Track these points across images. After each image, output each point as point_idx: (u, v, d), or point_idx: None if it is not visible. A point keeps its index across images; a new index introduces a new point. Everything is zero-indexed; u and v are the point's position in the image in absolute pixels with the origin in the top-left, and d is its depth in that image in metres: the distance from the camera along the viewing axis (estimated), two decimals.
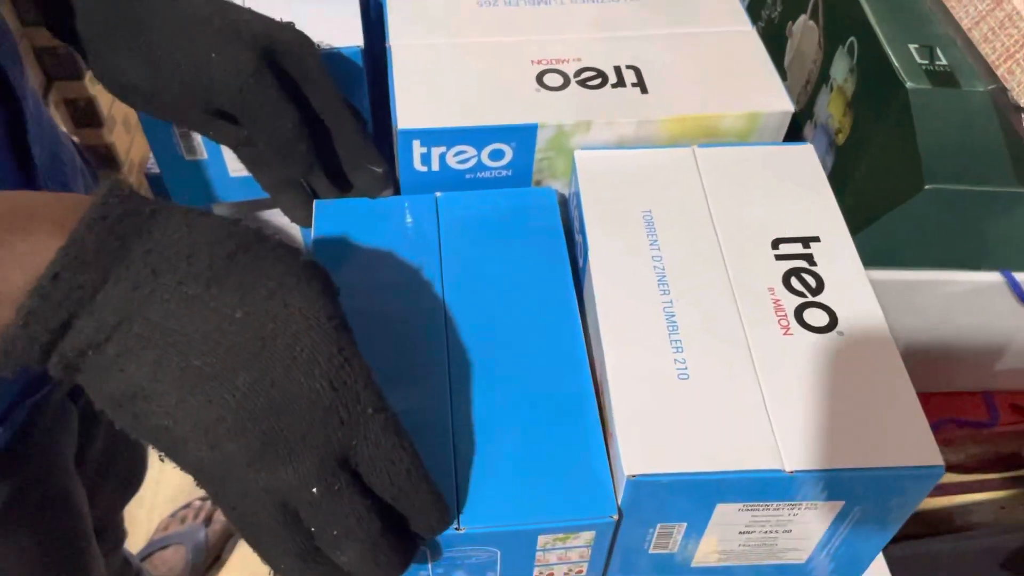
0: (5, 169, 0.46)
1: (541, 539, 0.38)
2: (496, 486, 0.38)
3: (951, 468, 0.79)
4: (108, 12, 0.42)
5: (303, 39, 0.43)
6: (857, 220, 0.58)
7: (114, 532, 0.85)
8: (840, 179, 0.60)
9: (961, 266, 0.63)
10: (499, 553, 0.38)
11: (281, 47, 0.42)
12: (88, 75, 1.38)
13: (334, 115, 0.45)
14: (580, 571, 0.40)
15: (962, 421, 0.74)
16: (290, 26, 0.44)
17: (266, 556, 0.32)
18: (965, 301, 0.65)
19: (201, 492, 1.03)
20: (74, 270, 0.27)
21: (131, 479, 0.81)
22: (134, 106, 0.44)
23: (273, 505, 0.30)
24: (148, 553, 1.14)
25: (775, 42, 0.68)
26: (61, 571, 0.58)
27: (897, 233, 0.59)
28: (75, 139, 1.37)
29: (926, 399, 0.76)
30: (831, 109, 0.61)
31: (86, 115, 1.43)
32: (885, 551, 0.48)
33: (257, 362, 0.29)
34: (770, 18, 0.71)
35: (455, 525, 0.36)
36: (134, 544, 1.05)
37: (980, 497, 0.77)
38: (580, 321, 0.43)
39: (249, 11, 0.43)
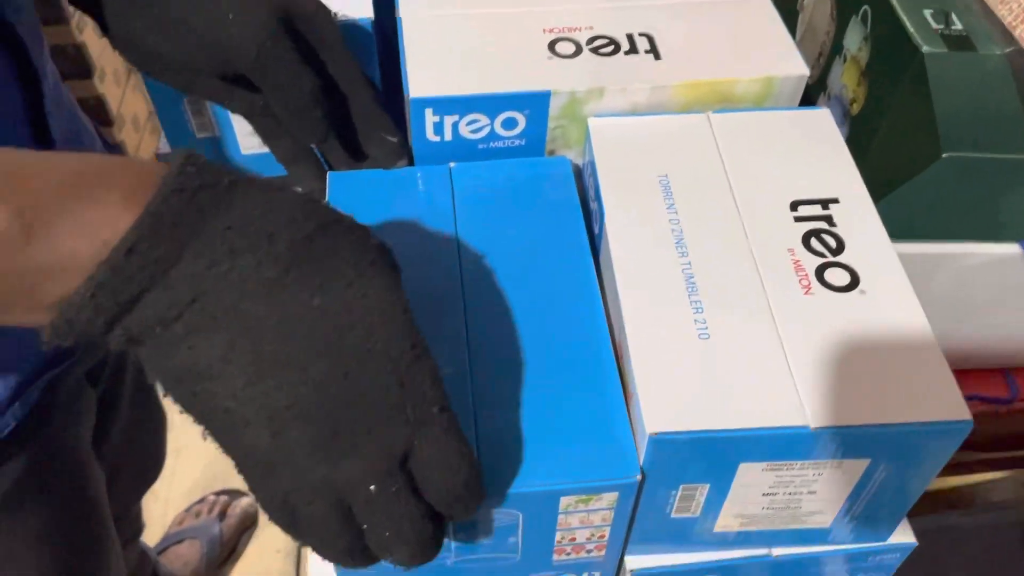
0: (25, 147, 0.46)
1: (563, 501, 0.37)
2: (518, 449, 0.37)
3: (971, 446, 0.78)
4: None
5: (320, 5, 0.43)
6: (873, 191, 0.57)
7: (131, 524, 0.85)
8: (855, 150, 0.59)
9: (978, 237, 0.62)
10: (521, 516, 0.38)
11: (299, 11, 0.42)
12: (75, 20, 1.32)
13: (349, 83, 0.44)
14: (602, 536, 0.40)
15: (982, 398, 0.73)
16: None
17: (311, 545, 0.31)
18: (982, 274, 0.65)
19: (216, 487, 1.04)
20: (150, 244, 0.26)
21: (149, 468, 0.81)
22: (152, 73, 0.44)
23: (328, 498, 0.29)
24: (163, 547, 1.14)
25: (786, 17, 0.68)
26: (75, 551, 0.58)
27: (914, 204, 0.58)
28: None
29: None
30: (845, 80, 0.61)
31: (75, 63, 1.36)
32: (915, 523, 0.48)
33: (332, 353, 0.28)
34: None
35: None
36: (149, 539, 1.05)
37: (1001, 475, 0.77)
38: (598, 287, 0.43)
39: None
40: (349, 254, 0.30)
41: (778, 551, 0.44)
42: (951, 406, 0.36)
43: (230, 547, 1.19)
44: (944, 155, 0.55)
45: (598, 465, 0.37)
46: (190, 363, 0.28)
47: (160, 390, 0.29)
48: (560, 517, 0.38)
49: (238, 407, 0.28)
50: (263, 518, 1.26)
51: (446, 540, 0.38)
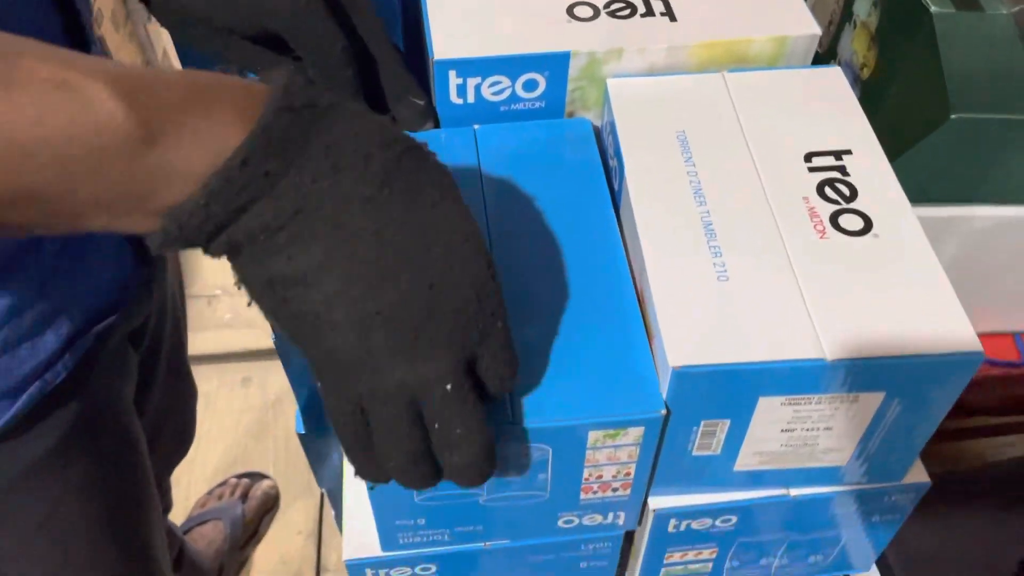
0: None
1: (591, 436, 0.39)
2: (547, 388, 0.39)
3: (982, 410, 0.79)
4: None
5: None
6: None
7: (161, 498, 0.87)
8: (866, 114, 0.60)
9: (987, 200, 0.63)
10: (551, 451, 0.39)
11: None
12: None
13: (378, 45, 0.46)
14: (628, 473, 0.41)
15: (992, 361, 0.75)
16: None
17: (378, 453, 0.33)
18: (992, 237, 0.66)
19: (238, 469, 1.06)
20: (261, 157, 0.28)
21: (181, 442, 0.83)
22: (188, 37, 0.46)
23: (404, 399, 0.31)
24: (187, 528, 1.16)
25: None
26: (121, 503, 0.60)
27: (923, 167, 0.60)
28: None
29: None
30: (855, 46, 0.62)
31: None
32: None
33: (419, 264, 0.31)
34: None
35: (510, 419, 0.38)
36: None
37: (1012, 438, 0.78)
38: (620, 240, 0.44)
39: None
40: (432, 176, 0.32)
41: (795, 491, 0.45)
42: (962, 339, 0.38)
43: (252, 528, 1.21)
44: (952, 116, 0.56)
45: (624, 401, 0.38)
46: (288, 271, 0.30)
47: (247, 296, 0.32)
48: (588, 453, 0.40)
49: (328, 312, 0.30)
50: (284, 500, 1.28)
51: None
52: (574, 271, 0.43)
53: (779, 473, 0.44)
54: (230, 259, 0.31)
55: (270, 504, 1.25)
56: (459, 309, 0.31)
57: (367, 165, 0.30)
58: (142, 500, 0.63)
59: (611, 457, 0.40)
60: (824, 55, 0.66)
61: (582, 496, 0.43)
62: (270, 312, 0.32)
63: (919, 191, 0.61)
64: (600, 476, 0.42)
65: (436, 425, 0.32)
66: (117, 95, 0.27)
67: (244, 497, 1.21)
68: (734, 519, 0.46)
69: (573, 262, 0.43)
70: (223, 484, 1.24)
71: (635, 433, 0.39)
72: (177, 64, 1.37)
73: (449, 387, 0.31)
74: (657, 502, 0.45)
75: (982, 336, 0.81)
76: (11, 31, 0.28)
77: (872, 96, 0.60)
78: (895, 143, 0.58)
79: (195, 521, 1.17)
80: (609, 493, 0.43)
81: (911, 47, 0.55)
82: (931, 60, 0.54)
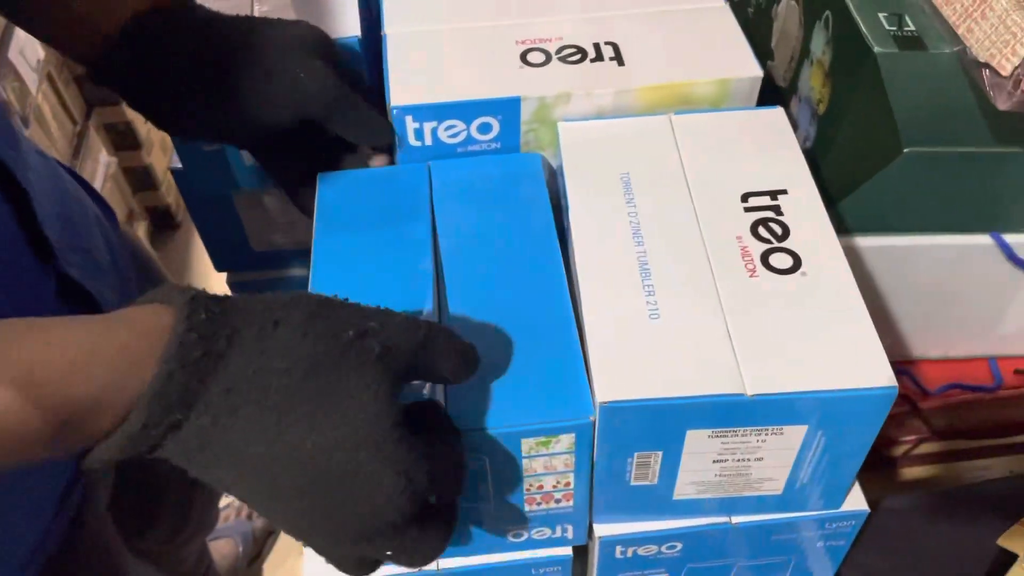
0: (24, 264, 0.49)
1: (525, 444, 0.41)
2: (484, 399, 0.41)
3: (959, 435, 0.80)
4: (190, 73, 0.48)
5: (326, 33, 0.51)
6: (842, 187, 0.60)
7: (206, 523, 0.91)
8: (823, 148, 0.62)
9: (950, 230, 0.64)
10: (488, 460, 0.41)
11: (327, 46, 0.50)
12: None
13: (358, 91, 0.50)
14: (567, 483, 0.43)
15: (966, 386, 0.75)
16: (312, 25, 0.51)
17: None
18: (957, 265, 0.67)
19: None
20: (160, 416, 0.31)
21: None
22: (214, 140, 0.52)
23: (351, 560, 0.37)
24: None
25: (764, 26, 0.71)
26: None
27: (882, 198, 0.61)
28: (107, 160, 1.43)
29: (930, 366, 0.78)
30: (812, 82, 0.64)
31: (125, 138, 1.51)
32: (887, 501, 0.51)
33: (324, 482, 0.33)
34: (758, 4, 0.74)
35: None
36: None
37: (989, 462, 0.78)
38: (563, 267, 0.46)
39: (301, 23, 0.50)
40: (345, 383, 0.34)
41: (737, 519, 0.47)
42: (878, 375, 0.40)
43: (259, 546, 1.24)
44: (906, 150, 0.58)
45: (554, 408, 0.40)
46: (206, 478, 0.34)
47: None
48: (524, 462, 0.42)
49: (252, 506, 0.35)
50: None
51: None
52: (516, 295, 0.45)
53: (719, 501, 0.46)
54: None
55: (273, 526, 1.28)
56: (372, 516, 0.34)
57: (265, 398, 0.32)
58: None
59: (548, 466, 0.42)
60: (787, 90, 0.68)
61: (527, 508, 0.45)
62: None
63: (881, 221, 0.62)
64: (541, 486, 0.43)
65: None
66: (26, 399, 0.29)
67: (249, 516, 1.24)
68: (679, 546, 0.48)
69: (516, 287, 0.45)
70: (228, 506, 1.26)
71: (567, 440, 0.41)
72: None
73: (389, 552, 0.36)
74: (602, 529, 0.47)
75: (957, 361, 0.82)
76: None
77: (828, 131, 0.61)
78: (853, 176, 0.59)
79: (210, 538, 1.20)
80: (553, 504, 0.45)
81: (860, 85, 0.57)
82: (880, 97, 0.56)
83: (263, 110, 0.48)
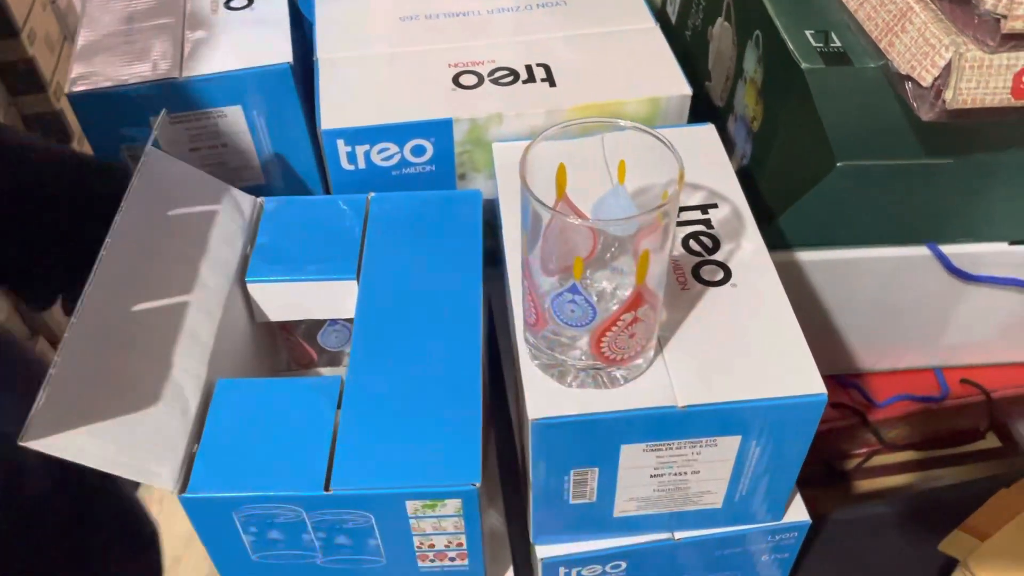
0: None
1: (410, 505, 0.40)
2: (370, 455, 0.40)
3: (908, 446, 0.80)
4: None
5: None
6: (780, 202, 0.61)
7: None
8: (760, 164, 0.63)
9: (889, 242, 0.65)
10: (373, 518, 0.40)
11: None
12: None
13: None
14: (460, 544, 0.42)
15: (914, 397, 0.76)
16: None
17: None
18: (898, 277, 0.68)
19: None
20: None
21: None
22: None
23: None
24: None
25: (701, 47, 0.72)
26: None
27: (819, 212, 0.62)
28: None
29: (878, 378, 0.78)
30: (746, 100, 0.65)
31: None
32: (836, 513, 0.51)
33: None
34: (695, 26, 0.75)
35: (324, 487, 0.39)
36: None
37: (941, 472, 0.79)
38: (481, 315, 0.46)
39: None
40: None
41: (680, 534, 0.46)
42: (807, 382, 0.40)
43: None
44: (838, 164, 0.58)
45: (441, 472, 0.39)
46: None
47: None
48: (412, 522, 0.41)
49: None
50: None
51: (311, 539, 0.40)
52: (427, 349, 0.44)
53: (660, 517, 0.45)
54: None
55: None
56: None
57: None
58: None
59: (437, 527, 0.41)
60: (724, 109, 0.69)
61: (420, 564, 0.44)
62: None
63: (821, 235, 0.63)
64: (432, 545, 0.42)
65: None
66: None
67: None
68: (624, 564, 0.47)
69: (429, 339, 0.45)
70: None
71: (454, 505, 0.40)
72: None
73: None
74: (544, 551, 0.46)
75: (905, 372, 0.82)
76: None
77: (763, 148, 0.62)
78: (790, 191, 0.60)
79: None
80: (447, 563, 0.44)
81: (790, 101, 0.58)
82: (810, 113, 0.57)
83: None
